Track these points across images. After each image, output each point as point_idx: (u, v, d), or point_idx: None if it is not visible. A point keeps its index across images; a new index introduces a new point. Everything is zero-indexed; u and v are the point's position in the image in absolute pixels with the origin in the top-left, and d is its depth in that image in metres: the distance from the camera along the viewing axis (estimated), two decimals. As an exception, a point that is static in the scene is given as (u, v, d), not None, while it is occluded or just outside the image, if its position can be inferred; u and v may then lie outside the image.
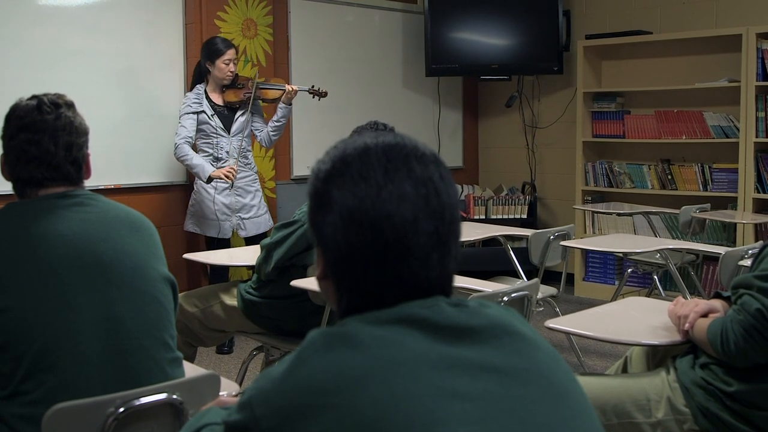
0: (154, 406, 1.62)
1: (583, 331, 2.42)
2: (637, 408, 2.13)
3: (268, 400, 0.98)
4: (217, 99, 4.61)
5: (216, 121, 4.56)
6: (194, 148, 4.59)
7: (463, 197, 6.51)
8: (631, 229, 6.06)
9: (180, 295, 2.24)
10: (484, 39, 6.36)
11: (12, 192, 1.88)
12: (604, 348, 4.71)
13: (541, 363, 1.04)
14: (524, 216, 6.40)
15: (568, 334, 2.84)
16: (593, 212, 6.13)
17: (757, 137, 5.30)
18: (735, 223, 5.36)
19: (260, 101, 4.73)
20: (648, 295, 5.05)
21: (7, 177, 1.88)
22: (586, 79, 6.17)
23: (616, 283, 5.84)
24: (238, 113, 4.64)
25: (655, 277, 5.00)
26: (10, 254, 1.72)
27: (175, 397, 1.64)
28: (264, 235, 4.56)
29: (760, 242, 2.98)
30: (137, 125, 4.91)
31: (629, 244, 4.56)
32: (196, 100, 4.56)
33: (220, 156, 4.58)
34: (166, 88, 5.05)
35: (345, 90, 5.89)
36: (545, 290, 3.92)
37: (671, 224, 5.79)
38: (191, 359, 3.47)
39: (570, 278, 6.06)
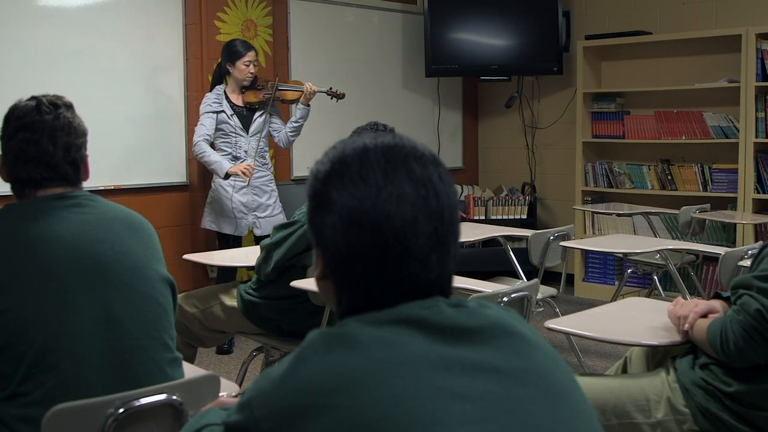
0: (153, 406, 1.62)
1: (583, 331, 2.42)
2: (637, 408, 2.13)
3: (268, 401, 0.98)
4: (237, 99, 4.69)
5: (235, 121, 4.65)
6: (213, 146, 4.66)
7: (462, 198, 6.51)
8: (631, 229, 6.06)
9: (180, 295, 2.25)
10: (484, 39, 6.36)
11: (11, 193, 1.88)
12: (603, 348, 4.71)
13: (540, 363, 1.04)
14: (524, 216, 6.41)
15: (567, 334, 2.85)
16: (593, 213, 6.13)
17: (756, 137, 5.30)
18: (735, 224, 5.36)
19: (279, 102, 4.81)
20: (648, 296, 5.05)
21: (6, 178, 1.88)
22: (586, 80, 6.17)
23: (616, 283, 5.84)
24: (257, 114, 4.72)
25: (655, 277, 5.00)
26: (9, 255, 1.72)
27: (174, 397, 1.64)
28: None
29: (760, 243, 2.99)
30: (137, 126, 4.91)
31: (629, 244, 4.56)
32: (216, 100, 4.64)
33: (238, 155, 4.65)
34: (166, 88, 5.05)
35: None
36: (545, 291, 3.92)
37: (671, 225, 5.79)
38: (191, 360, 3.47)
39: (570, 279, 6.06)
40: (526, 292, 2.86)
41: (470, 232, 4.29)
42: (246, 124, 4.67)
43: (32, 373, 1.66)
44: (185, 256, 3.73)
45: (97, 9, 4.73)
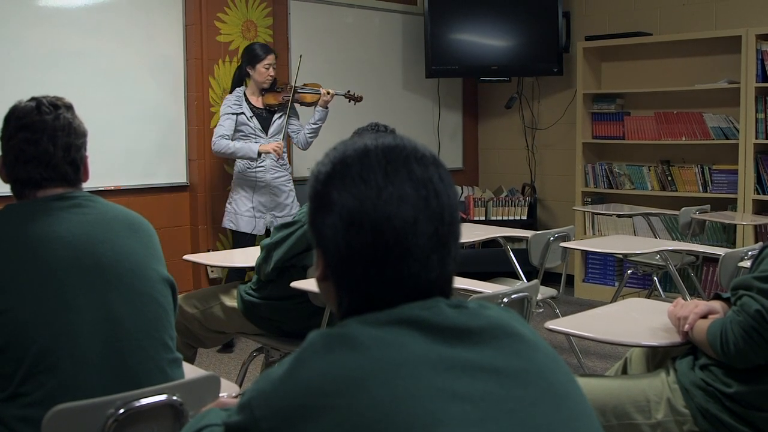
0: (154, 407, 1.62)
1: (583, 332, 2.42)
2: (637, 409, 2.13)
3: (268, 402, 0.98)
4: (256, 102, 4.80)
5: (255, 123, 4.75)
6: None
7: (462, 198, 6.51)
8: (631, 230, 6.06)
9: (180, 296, 2.25)
10: (484, 40, 6.36)
11: (11, 194, 1.88)
12: (603, 349, 4.71)
13: (540, 364, 1.04)
14: (524, 217, 6.41)
15: (567, 335, 2.85)
16: (593, 213, 6.13)
17: (756, 138, 5.30)
18: (735, 225, 5.36)
19: (298, 104, 4.90)
20: (648, 297, 5.05)
21: (6, 179, 1.88)
22: (586, 81, 6.17)
23: (616, 284, 5.84)
24: (276, 116, 4.84)
25: (655, 278, 5.00)
26: (9, 256, 1.72)
27: (175, 398, 1.64)
28: None
29: (760, 243, 2.98)
30: (137, 126, 4.91)
31: (629, 245, 4.56)
32: (236, 102, 4.74)
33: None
34: (166, 89, 5.05)
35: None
36: (545, 291, 3.92)
37: (671, 225, 5.79)
38: (191, 360, 3.47)
39: (570, 279, 6.06)
40: (526, 293, 2.86)
41: (470, 233, 4.29)
42: (265, 126, 4.78)
43: (32, 374, 1.66)
44: (185, 257, 3.73)
45: (98, 10, 4.73)
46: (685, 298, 3.04)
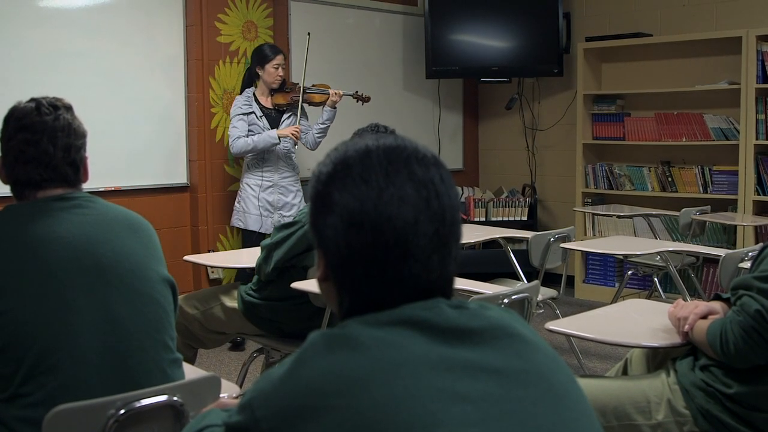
0: (154, 408, 1.62)
1: (583, 333, 2.42)
2: (637, 410, 2.13)
3: (269, 402, 0.98)
4: (266, 102, 4.87)
5: (264, 122, 4.80)
6: None
7: (463, 199, 6.51)
8: (632, 231, 6.06)
9: (180, 297, 2.25)
10: (485, 41, 6.36)
11: (11, 194, 1.88)
12: (604, 350, 4.71)
13: (541, 365, 1.04)
14: (524, 218, 6.40)
15: (568, 336, 2.85)
16: (593, 214, 6.13)
17: (757, 139, 5.30)
18: (735, 226, 5.36)
19: (306, 104, 4.94)
20: (648, 297, 5.06)
21: (5, 180, 1.88)
22: (586, 82, 6.17)
23: (617, 285, 5.84)
24: (285, 115, 4.89)
25: (655, 279, 5.00)
26: (9, 256, 1.72)
27: (175, 398, 1.64)
28: None
29: (760, 244, 2.98)
30: (138, 127, 4.91)
31: (629, 246, 4.56)
32: (246, 103, 4.81)
33: (266, 156, 4.82)
34: (166, 90, 5.05)
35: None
36: (545, 292, 3.92)
37: (671, 226, 5.79)
38: (191, 361, 3.47)
39: (570, 280, 6.06)
40: (526, 294, 2.86)
41: (471, 234, 4.29)
42: (274, 126, 4.83)
43: (32, 375, 1.66)
44: (186, 258, 3.73)
45: (98, 10, 4.73)
46: (685, 299, 3.03)
